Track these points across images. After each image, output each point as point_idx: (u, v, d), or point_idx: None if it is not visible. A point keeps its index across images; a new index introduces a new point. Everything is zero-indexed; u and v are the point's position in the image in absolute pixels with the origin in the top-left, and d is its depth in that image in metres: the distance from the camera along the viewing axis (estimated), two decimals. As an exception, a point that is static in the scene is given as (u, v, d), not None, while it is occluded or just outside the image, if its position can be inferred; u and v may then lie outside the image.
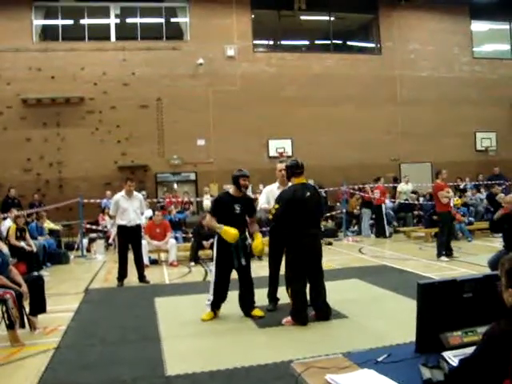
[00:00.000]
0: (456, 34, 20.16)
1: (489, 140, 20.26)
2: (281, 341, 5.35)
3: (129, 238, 8.93)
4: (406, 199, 16.14)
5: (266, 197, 6.78)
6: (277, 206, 5.82)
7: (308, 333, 5.58)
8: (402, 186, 16.65)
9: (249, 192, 16.19)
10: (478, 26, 20.96)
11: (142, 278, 9.04)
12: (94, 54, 17.27)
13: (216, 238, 6.30)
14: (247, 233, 6.57)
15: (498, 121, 19.90)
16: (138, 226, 9.09)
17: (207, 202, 14.75)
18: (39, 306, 6.17)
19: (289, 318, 5.89)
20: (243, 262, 6.22)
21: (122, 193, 9.04)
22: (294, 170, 5.99)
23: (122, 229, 8.91)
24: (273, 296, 6.68)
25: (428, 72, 19.71)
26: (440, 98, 19.34)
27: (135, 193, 9.22)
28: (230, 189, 6.58)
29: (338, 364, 2.49)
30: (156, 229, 11.29)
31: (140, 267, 9.10)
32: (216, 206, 6.45)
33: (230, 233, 6.07)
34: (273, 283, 6.67)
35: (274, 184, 6.90)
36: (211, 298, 6.29)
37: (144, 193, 14.87)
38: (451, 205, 10.98)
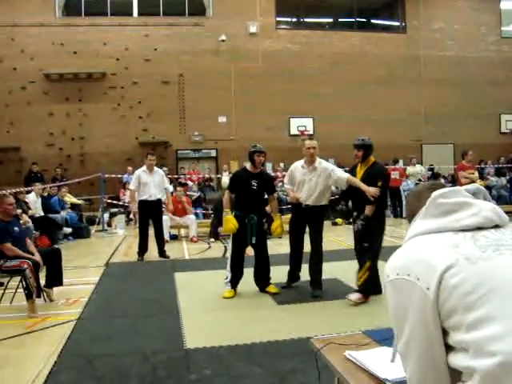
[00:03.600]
0: (484, 12, 19.67)
1: (514, 122, 19.92)
2: (299, 317, 5.38)
3: (149, 212, 8.97)
4: (419, 179, 15.84)
5: (288, 175, 6.55)
6: (380, 184, 5.68)
7: (327, 310, 5.60)
8: (409, 169, 16.31)
9: (269, 170, 16.54)
10: (508, 4, 20.41)
11: (162, 252, 9.13)
12: (116, 30, 17.28)
13: (232, 215, 6.24)
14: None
15: (524, 103, 19.49)
16: (159, 201, 9.13)
17: (225, 180, 14.79)
18: (55, 279, 6.20)
19: (359, 295, 5.70)
20: (253, 240, 6.21)
21: (144, 168, 9.09)
22: (372, 149, 5.97)
23: (142, 203, 8.96)
24: (293, 275, 6.56)
25: (453, 52, 19.31)
26: (465, 78, 18.97)
27: (156, 168, 9.25)
28: (247, 165, 6.57)
29: (357, 341, 2.50)
30: (178, 204, 11.35)
31: (160, 242, 9.17)
32: (233, 182, 6.44)
33: (229, 224, 6.11)
34: (293, 262, 6.53)
35: (299, 162, 6.45)
36: (229, 275, 6.31)
37: (165, 169, 14.92)
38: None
